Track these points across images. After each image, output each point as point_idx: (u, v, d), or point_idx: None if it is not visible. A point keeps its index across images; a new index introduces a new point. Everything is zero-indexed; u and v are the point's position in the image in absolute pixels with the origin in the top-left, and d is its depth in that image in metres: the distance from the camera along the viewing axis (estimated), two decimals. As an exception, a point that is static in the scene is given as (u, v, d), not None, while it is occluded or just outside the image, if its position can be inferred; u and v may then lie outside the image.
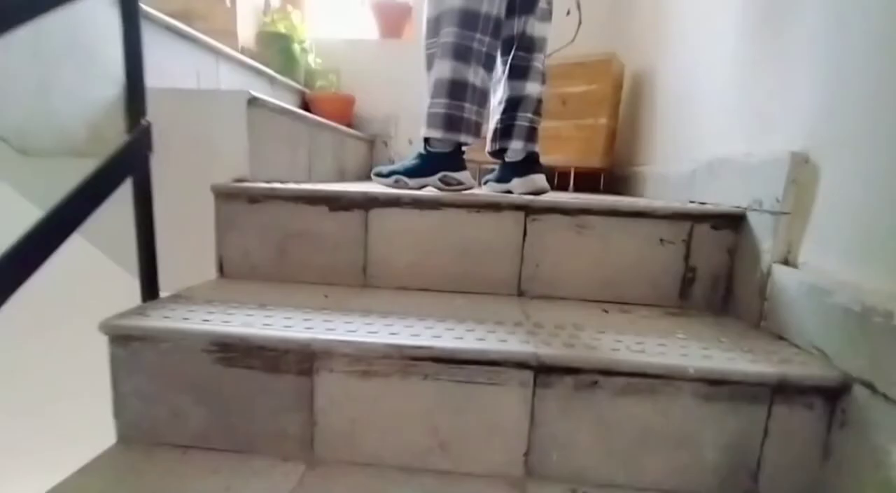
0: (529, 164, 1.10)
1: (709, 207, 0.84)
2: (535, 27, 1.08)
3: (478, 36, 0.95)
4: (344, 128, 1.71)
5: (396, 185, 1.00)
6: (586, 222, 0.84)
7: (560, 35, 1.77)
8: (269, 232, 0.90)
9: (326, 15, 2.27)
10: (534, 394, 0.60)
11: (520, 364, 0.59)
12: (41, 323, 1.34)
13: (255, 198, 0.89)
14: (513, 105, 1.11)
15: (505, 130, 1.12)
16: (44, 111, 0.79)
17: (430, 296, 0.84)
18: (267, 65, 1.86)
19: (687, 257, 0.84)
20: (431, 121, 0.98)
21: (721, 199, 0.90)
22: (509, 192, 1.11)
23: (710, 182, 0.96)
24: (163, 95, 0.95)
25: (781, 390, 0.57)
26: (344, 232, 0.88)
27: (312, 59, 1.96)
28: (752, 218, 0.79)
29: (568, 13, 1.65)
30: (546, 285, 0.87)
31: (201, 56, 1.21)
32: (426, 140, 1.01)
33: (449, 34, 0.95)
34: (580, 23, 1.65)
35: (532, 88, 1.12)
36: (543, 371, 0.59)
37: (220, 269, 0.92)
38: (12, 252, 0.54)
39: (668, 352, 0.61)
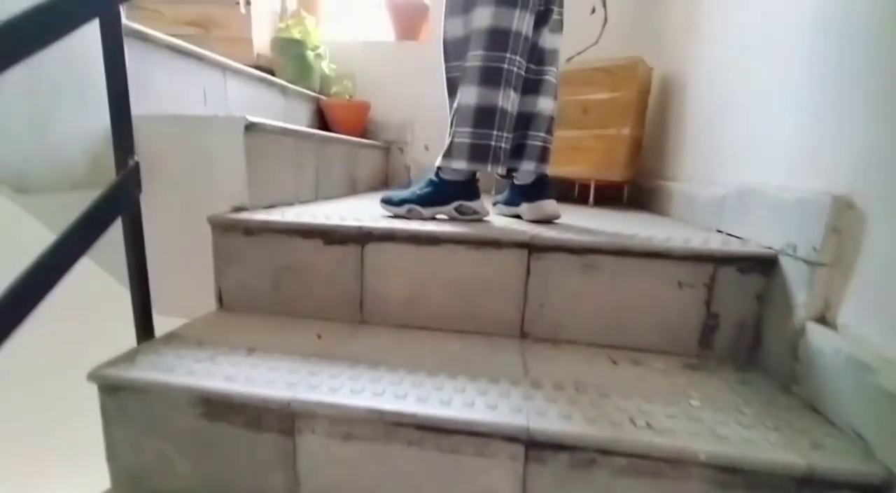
0: (540, 187, 1.03)
1: (734, 248, 0.75)
2: (547, 39, 1.00)
3: (508, 56, 0.89)
4: (355, 139, 1.67)
5: (409, 214, 0.94)
6: (595, 262, 0.78)
7: (582, 36, 1.66)
8: (266, 265, 0.88)
9: (342, 17, 2.23)
10: (525, 469, 0.55)
11: (510, 438, 0.55)
12: (45, 360, 1.37)
13: (250, 230, 0.87)
14: (524, 123, 1.04)
15: (516, 150, 1.05)
16: (41, 148, 0.79)
17: (426, 337, 0.80)
18: (281, 72, 1.85)
19: (709, 302, 0.76)
20: (456, 151, 0.92)
21: (751, 234, 0.81)
22: (518, 216, 1.05)
23: (740, 213, 0.87)
24: (159, 122, 0.94)
25: (809, 484, 0.50)
26: (339, 266, 0.85)
27: (327, 65, 1.92)
28: (785, 264, 0.70)
29: (593, 11, 1.54)
30: (550, 327, 0.81)
31: (208, 73, 1.19)
32: (439, 167, 0.96)
33: (476, 58, 0.89)
34: (605, 21, 1.54)
35: (545, 103, 1.04)
36: (535, 447, 0.54)
37: (220, 300, 0.91)
38: (4, 298, 0.54)
39: (678, 428, 0.55)
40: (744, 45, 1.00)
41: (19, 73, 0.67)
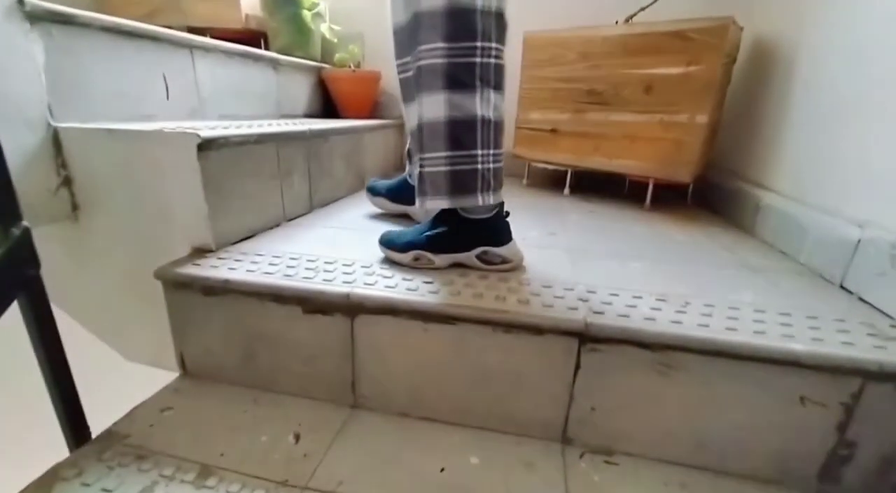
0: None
1: (900, 357, 0.50)
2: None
3: (479, 44, 0.61)
4: (361, 122, 1.41)
5: (417, 263, 0.71)
6: (676, 362, 0.54)
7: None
8: (233, 331, 0.69)
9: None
10: None
11: None
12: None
13: (210, 290, 0.67)
14: None
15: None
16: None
17: (433, 435, 0.61)
18: (275, 38, 1.56)
19: (844, 426, 0.52)
20: (431, 187, 0.67)
21: (915, 321, 0.55)
22: (406, 216, 0.87)
23: (891, 279, 0.60)
24: (92, 137, 0.73)
25: None
26: (323, 341, 0.65)
27: (328, 27, 1.61)
28: None
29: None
30: (604, 434, 0.60)
31: (167, 56, 0.94)
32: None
33: (432, 52, 0.61)
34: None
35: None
36: None
37: (183, 365, 0.74)
38: None
39: None
40: None
41: None
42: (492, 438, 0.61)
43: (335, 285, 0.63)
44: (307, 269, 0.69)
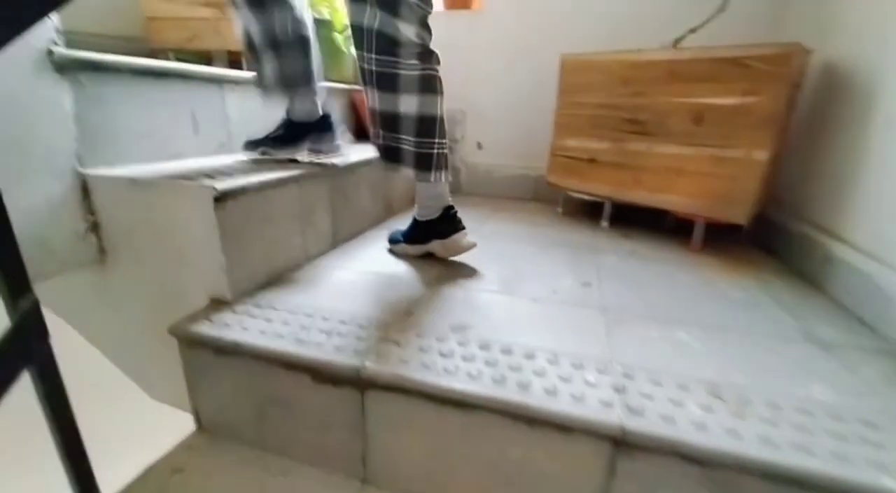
0: (449, 219, 0.93)
1: None
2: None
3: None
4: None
5: (263, 155, 0.97)
6: (734, 484, 0.46)
7: (696, 5, 1.17)
8: (245, 392, 0.66)
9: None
10: None
11: None
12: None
13: (222, 350, 0.65)
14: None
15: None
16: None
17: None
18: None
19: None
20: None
21: None
22: (431, 254, 0.97)
23: None
24: (115, 185, 0.73)
25: None
26: (334, 412, 0.61)
27: (360, 49, 1.59)
28: None
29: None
30: (641, 548, 0.52)
31: (197, 92, 0.94)
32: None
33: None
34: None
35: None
36: None
37: (198, 420, 0.72)
38: None
39: None
40: None
41: None
42: (511, 535, 0.55)
43: (346, 355, 0.59)
44: (320, 330, 0.65)
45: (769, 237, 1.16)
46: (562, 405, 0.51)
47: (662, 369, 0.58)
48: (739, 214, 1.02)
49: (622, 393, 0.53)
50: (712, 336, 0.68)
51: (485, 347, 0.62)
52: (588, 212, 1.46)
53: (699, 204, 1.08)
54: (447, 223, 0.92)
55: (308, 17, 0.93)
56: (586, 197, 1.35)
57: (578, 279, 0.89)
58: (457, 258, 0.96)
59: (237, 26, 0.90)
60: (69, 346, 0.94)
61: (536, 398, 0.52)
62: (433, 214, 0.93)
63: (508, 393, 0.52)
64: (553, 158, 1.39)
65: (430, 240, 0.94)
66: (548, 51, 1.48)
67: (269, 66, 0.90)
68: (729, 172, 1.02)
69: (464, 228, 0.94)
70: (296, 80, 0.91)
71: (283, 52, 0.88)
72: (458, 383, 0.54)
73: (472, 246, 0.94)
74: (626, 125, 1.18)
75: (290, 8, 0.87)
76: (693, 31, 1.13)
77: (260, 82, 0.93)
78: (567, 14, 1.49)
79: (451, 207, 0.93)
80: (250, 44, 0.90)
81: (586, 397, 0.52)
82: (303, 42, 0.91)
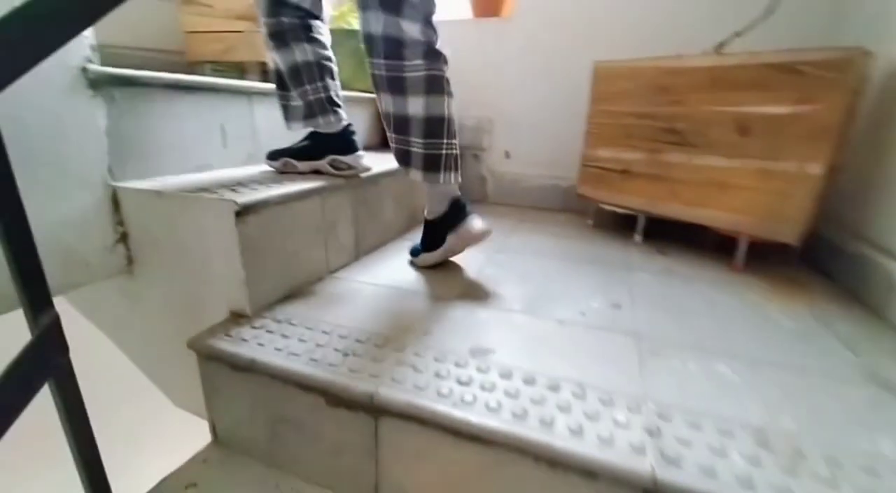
0: (456, 211, 0.91)
1: None
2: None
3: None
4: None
5: (285, 167, 0.98)
6: (784, 549, 0.40)
7: (734, 10, 1.10)
8: (259, 409, 0.65)
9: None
10: None
11: None
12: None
13: (237, 366, 0.64)
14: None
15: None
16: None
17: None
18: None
19: None
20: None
21: None
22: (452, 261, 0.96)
23: None
24: (142, 197, 0.74)
25: None
26: (347, 436, 0.59)
27: (388, 58, 1.60)
28: None
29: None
30: None
31: (226, 105, 0.96)
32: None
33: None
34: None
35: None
36: None
37: (214, 432, 0.72)
38: None
39: None
40: None
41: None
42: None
43: (361, 378, 0.57)
44: (336, 349, 0.64)
45: (823, 258, 1.06)
46: (588, 448, 0.46)
47: (701, 409, 0.53)
48: (789, 232, 0.94)
49: (656, 437, 0.48)
50: (758, 371, 0.62)
51: (506, 375, 0.59)
52: (620, 225, 1.39)
53: (744, 220, 1.01)
54: (455, 214, 0.90)
55: (328, 40, 0.94)
56: (619, 209, 1.28)
57: (608, 300, 0.84)
58: (479, 278, 0.93)
59: (269, 63, 0.95)
60: (102, 349, 0.98)
61: (560, 438, 0.48)
62: (442, 208, 0.91)
63: (529, 430, 0.49)
64: (584, 168, 1.34)
65: (446, 239, 0.92)
66: (579, 58, 1.43)
67: (296, 103, 0.95)
68: (778, 187, 0.94)
69: (472, 212, 0.91)
70: (322, 109, 0.93)
71: (307, 90, 0.91)
72: (475, 417, 0.51)
73: (486, 233, 0.90)
74: (663, 135, 1.12)
75: (313, 41, 0.89)
76: (738, 34, 1.06)
77: (287, 117, 0.98)
78: (599, 21, 1.44)
79: (458, 198, 0.91)
80: (280, 81, 0.94)
81: (615, 440, 0.47)
82: (326, 70, 0.93)
